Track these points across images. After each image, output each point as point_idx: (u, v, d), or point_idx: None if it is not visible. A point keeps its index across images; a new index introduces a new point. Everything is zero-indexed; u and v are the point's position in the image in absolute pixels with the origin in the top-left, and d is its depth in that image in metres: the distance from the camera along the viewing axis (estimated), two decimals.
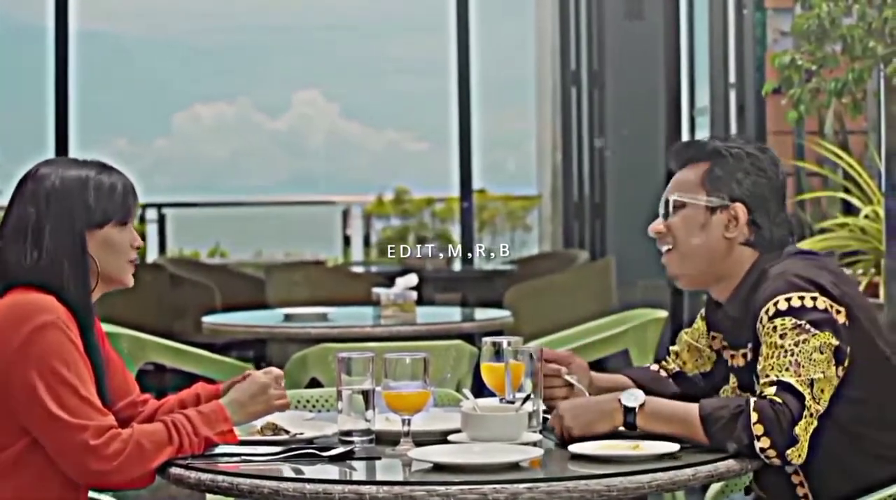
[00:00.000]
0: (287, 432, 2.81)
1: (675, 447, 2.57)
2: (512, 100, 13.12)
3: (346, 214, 13.04)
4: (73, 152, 9.48)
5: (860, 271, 5.52)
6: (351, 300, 6.37)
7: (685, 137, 8.21)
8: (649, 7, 9.09)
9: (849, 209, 6.04)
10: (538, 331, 5.91)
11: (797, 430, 2.60)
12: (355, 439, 2.72)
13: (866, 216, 5.68)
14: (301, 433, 2.80)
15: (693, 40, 8.06)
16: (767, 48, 6.50)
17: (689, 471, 2.49)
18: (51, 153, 9.49)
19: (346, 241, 12.99)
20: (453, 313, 5.96)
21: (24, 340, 2.62)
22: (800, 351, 2.67)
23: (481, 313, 5.86)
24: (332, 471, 2.54)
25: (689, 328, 3.19)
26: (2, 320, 2.65)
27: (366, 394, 2.74)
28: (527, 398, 2.79)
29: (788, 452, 2.60)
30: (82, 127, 10.07)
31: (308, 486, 2.40)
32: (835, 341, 2.71)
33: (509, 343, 2.96)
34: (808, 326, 2.69)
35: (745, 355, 2.89)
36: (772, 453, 2.60)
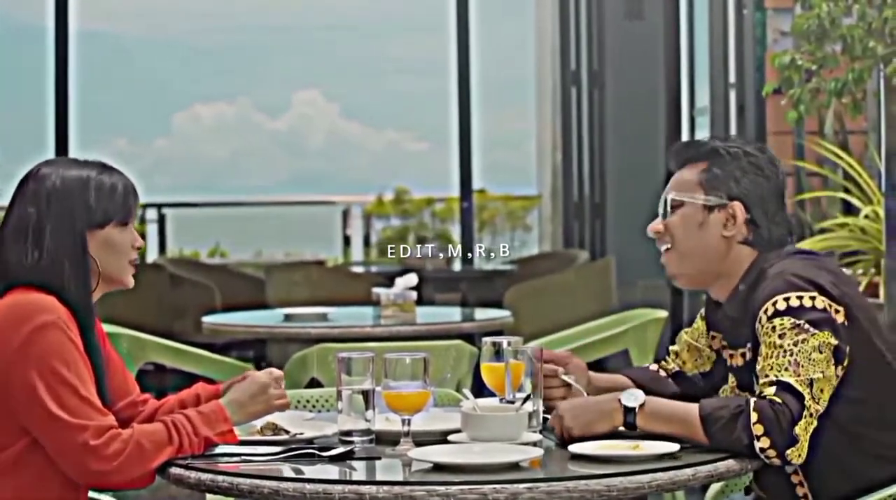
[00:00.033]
0: (287, 432, 2.81)
1: (675, 447, 2.57)
2: (512, 100, 13.13)
3: (346, 214, 13.04)
4: (73, 152, 9.48)
5: (860, 271, 5.53)
6: (351, 300, 6.37)
7: (685, 137, 8.21)
8: (649, 7, 9.09)
9: (849, 209, 6.04)
10: (538, 331, 5.91)
11: (797, 430, 2.61)
12: (355, 439, 2.72)
13: (866, 216, 5.68)
14: (301, 433, 2.80)
15: (693, 40, 8.06)
16: (767, 48, 6.50)
17: (689, 471, 2.49)
18: (51, 153, 9.49)
19: (346, 241, 12.99)
20: (453, 313, 5.97)
21: (25, 340, 2.62)
22: (799, 351, 2.67)
23: (481, 313, 5.86)
24: (332, 471, 2.54)
25: (688, 328, 3.19)
26: (2, 319, 2.65)
27: (366, 394, 2.74)
28: (527, 398, 2.79)
29: (788, 452, 2.60)
30: (82, 127, 10.07)
31: (308, 486, 2.40)
32: (834, 341, 2.71)
33: (509, 343, 2.96)
34: (807, 325, 2.70)
35: (743, 355, 2.89)
36: (772, 453, 2.60)
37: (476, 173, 10.17)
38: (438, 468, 2.48)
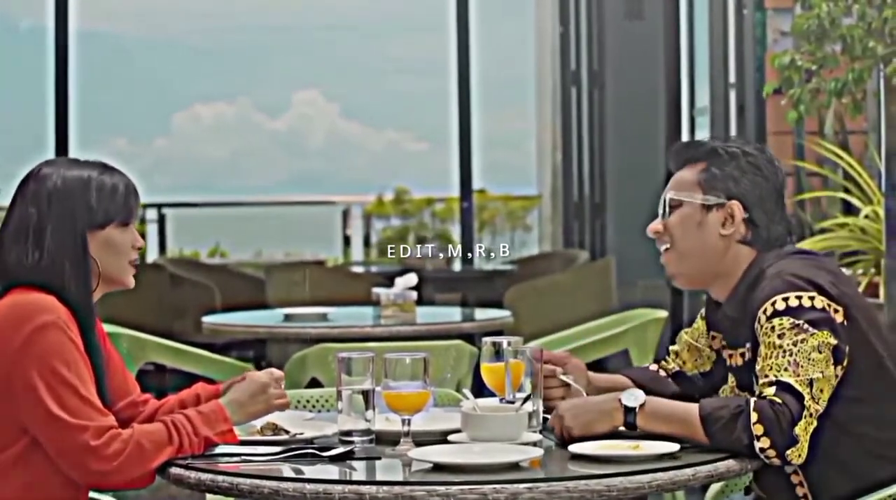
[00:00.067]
0: (287, 432, 2.81)
1: (675, 447, 2.57)
2: (512, 100, 13.13)
3: (346, 214, 13.05)
4: (73, 152, 9.48)
5: (860, 271, 5.53)
6: (351, 300, 6.37)
7: (685, 137, 8.21)
8: (649, 7, 9.09)
9: (849, 209, 6.04)
10: (538, 331, 5.91)
11: (797, 430, 2.61)
12: (355, 439, 2.72)
13: (866, 216, 5.69)
14: (301, 433, 2.80)
15: (693, 40, 8.06)
16: (767, 48, 6.51)
17: (689, 471, 2.49)
18: (51, 153, 9.49)
19: (346, 241, 13.00)
20: (453, 313, 5.97)
21: (25, 340, 2.62)
22: (798, 351, 2.68)
23: (481, 313, 5.86)
24: (332, 471, 2.54)
25: (689, 328, 3.19)
26: (3, 319, 2.66)
27: (366, 394, 2.74)
28: (527, 398, 2.79)
29: (788, 452, 2.60)
30: (82, 127, 10.07)
31: (308, 486, 2.41)
32: (833, 341, 2.71)
33: (509, 343, 2.96)
34: (806, 325, 2.70)
35: (743, 355, 2.89)
36: (772, 453, 2.60)
37: (476, 173, 10.17)
38: (438, 468, 2.48)
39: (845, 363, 2.75)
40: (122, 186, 2.81)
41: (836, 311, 2.75)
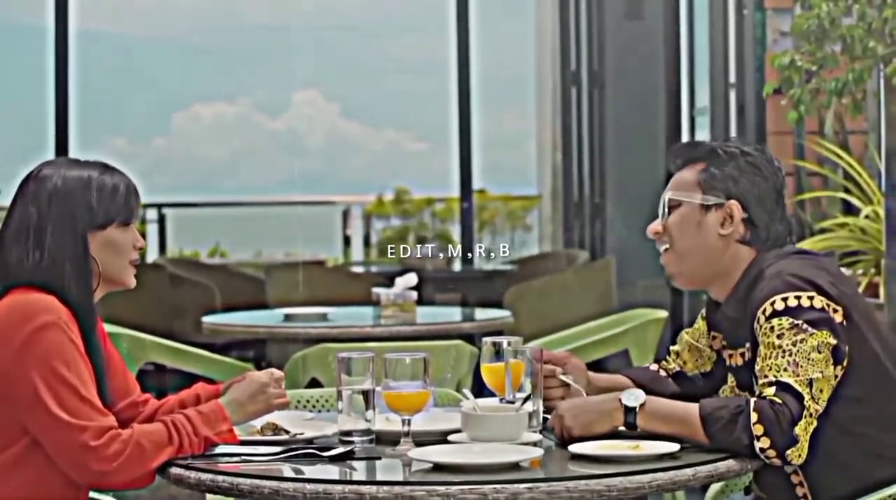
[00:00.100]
0: (287, 432, 2.81)
1: (675, 447, 2.57)
2: (512, 100, 13.12)
3: (346, 214, 13.04)
4: (73, 152, 9.48)
5: (860, 271, 5.53)
6: (351, 300, 6.37)
7: (685, 137, 8.21)
8: (649, 7, 9.09)
9: (849, 209, 6.04)
10: (538, 331, 5.91)
11: (797, 430, 2.61)
12: (355, 439, 2.72)
13: (866, 216, 5.69)
14: (301, 433, 2.80)
15: (693, 40, 8.06)
16: (767, 48, 6.50)
17: (689, 471, 2.49)
18: (51, 153, 9.49)
19: (346, 241, 12.99)
20: (453, 313, 5.97)
21: (25, 340, 2.62)
22: (798, 351, 2.68)
23: (481, 313, 5.86)
24: (332, 471, 2.54)
25: (689, 328, 3.19)
26: (3, 320, 2.66)
27: (366, 394, 2.74)
28: (527, 398, 2.80)
29: (788, 452, 2.61)
30: (82, 127, 10.06)
31: (308, 486, 2.41)
32: (833, 341, 2.71)
33: (509, 343, 2.97)
34: (805, 325, 2.70)
35: (743, 355, 2.89)
36: (772, 453, 2.60)
37: (476, 173, 10.17)
38: (438, 468, 2.48)
39: (845, 363, 2.75)
40: (123, 187, 2.81)
41: (835, 311, 2.75)
